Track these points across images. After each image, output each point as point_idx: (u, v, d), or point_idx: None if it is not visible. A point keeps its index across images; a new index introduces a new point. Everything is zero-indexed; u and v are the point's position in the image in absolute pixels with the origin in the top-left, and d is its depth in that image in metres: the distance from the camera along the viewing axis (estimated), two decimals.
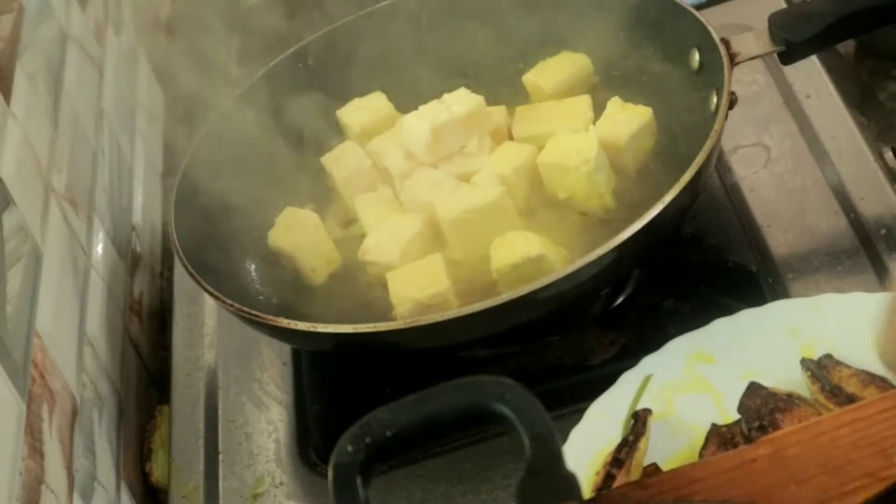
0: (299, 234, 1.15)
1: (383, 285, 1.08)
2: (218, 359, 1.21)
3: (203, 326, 1.25)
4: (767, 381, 0.93)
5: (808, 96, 1.24)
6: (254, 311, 1.02)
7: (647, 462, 0.91)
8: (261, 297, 1.15)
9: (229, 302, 1.04)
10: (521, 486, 0.63)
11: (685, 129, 1.14)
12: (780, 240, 1.12)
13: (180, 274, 1.30)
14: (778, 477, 0.73)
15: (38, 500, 0.91)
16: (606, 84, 1.22)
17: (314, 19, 1.37)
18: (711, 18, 1.11)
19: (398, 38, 1.30)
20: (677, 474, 0.74)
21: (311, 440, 1.11)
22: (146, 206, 1.43)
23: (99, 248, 1.23)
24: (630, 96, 1.17)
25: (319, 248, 1.16)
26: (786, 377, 0.95)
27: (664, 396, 0.97)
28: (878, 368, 0.93)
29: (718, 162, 1.19)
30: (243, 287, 1.15)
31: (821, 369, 0.93)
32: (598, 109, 1.17)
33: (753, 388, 0.93)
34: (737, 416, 0.92)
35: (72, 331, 1.09)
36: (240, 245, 1.18)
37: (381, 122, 1.24)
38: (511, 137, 1.20)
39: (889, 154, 1.15)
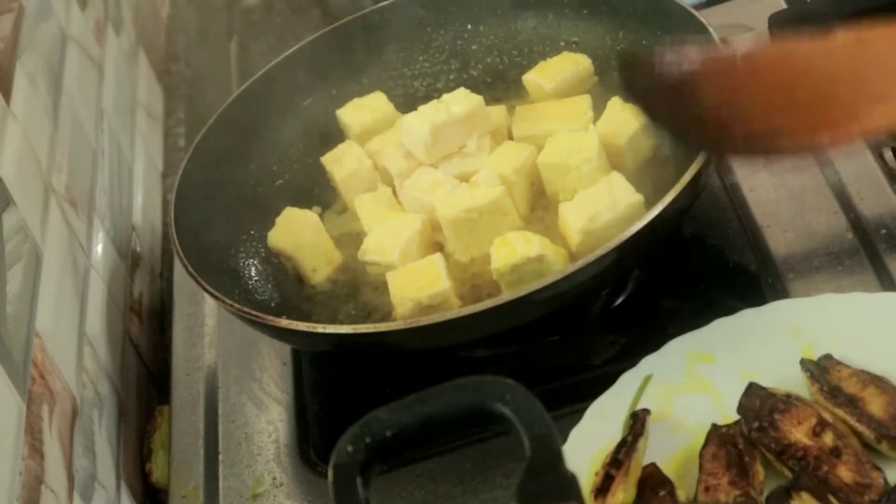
0: (299, 235, 1.15)
1: (384, 285, 1.08)
2: (218, 359, 1.21)
3: (203, 326, 1.25)
4: (767, 381, 0.93)
5: None
6: (254, 312, 1.02)
7: (646, 462, 0.92)
8: (261, 297, 1.15)
9: (229, 302, 1.04)
10: (521, 486, 0.64)
11: None
12: (780, 240, 1.12)
13: (180, 274, 1.30)
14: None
15: (38, 500, 0.91)
16: (607, 84, 1.22)
17: (316, 18, 1.37)
18: (711, 18, 1.11)
19: (399, 37, 1.30)
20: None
21: (311, 440, 1.11)
22: (146, 206, 1.43)
23: (99, 248, 1.23)
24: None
25: (319, 249, 1.16)
26: (786, 377, 0.95)
27: (664, 396, 0.97)
28: (878, 368, 0.93)
29: (718, 162, 1.19)
30: (243, 287, 1.15)
31: (820, 370, 0.93)
32: (599, 110, 1.17)
33: (752, 389, 0.93)
34: (737, 416, 0.93)
35: (72, 331, 1.09)
36: (240, 245, 1.18)
37: (380, 122, 1.24)
38: (511, 137, 1.20)
39: (889, 154, 1.15)
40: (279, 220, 1.17)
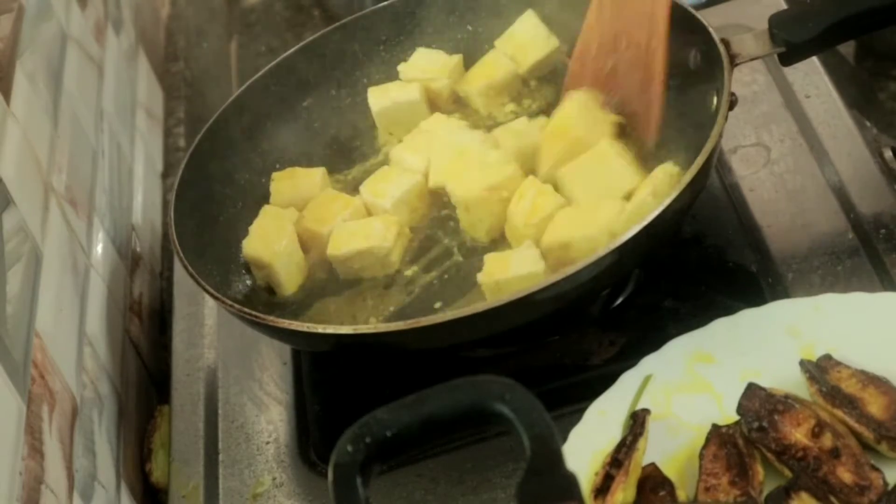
0: (274, 243, 1.14)
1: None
2: (218, 359, 1.21)
3: (203, 326, 1.25)
4: (767, 382, 0.93)
5: (808, 96, 1.24)
6: (254, 312, 1.02)
7: (646, 462, 0.92)
8: (261, 297, 1.15)
9: (229, 302, 1.04)
10: (521, 486, 0.64)
11: (685, 129, 1.14)
12: (780, 240, 1.12)
13: (180, 274, 1.30)
14: None
15: (38, 500, 0.91)
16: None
17: (316, 18, 1.37)
18: (711, 19, 1.11)
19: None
20: None
21: (311, 440, 1.11)
22: (146, 206, 1.44)
23: (99, 248, 1.23)
24: None
25: (292, 258, 1.14)
26: (785, 377, 0.95)
27: (664, 396, 0.97)
28: (877, 368, 0.93)
29: (718, 162, 1.19)
30: (244, 287, 1.15)
31: (819, 370, 0.93)
32: None
33: (752, 389, 0.93)
34: (737, 416, 0.93)
35: (72, 331, 1.09)
36: (240, 245, 1.17)
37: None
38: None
39: (889, 154, 1.15)
40: (252, 230, 1.16)
